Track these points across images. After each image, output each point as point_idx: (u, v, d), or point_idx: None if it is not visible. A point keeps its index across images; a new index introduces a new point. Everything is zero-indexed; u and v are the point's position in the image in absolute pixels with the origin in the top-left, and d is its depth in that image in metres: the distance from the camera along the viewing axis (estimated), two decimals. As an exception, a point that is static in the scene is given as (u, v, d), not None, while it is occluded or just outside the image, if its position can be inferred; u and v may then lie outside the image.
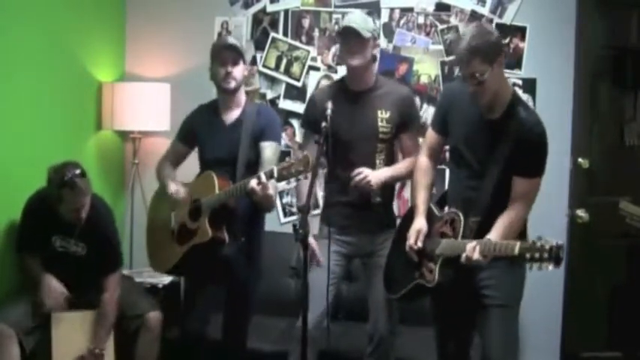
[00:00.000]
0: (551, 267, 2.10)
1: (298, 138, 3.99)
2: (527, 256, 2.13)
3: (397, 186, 3.47)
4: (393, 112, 2.91)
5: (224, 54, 3.00)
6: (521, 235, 2.49)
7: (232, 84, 3.01)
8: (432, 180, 2.77)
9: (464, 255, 2.35)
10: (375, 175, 2.85)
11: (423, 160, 2.77)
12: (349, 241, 2.97)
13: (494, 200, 2.45)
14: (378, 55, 3.32)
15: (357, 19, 2.90)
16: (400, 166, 2.97)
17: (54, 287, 3.04)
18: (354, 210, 2.94)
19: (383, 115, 2.90)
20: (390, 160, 2.99)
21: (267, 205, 3.00)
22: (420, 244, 2.60)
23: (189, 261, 3.01)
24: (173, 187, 3.09)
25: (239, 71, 3.02)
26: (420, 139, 3.00)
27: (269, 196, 2.81)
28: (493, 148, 2.45)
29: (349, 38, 2.85)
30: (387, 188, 2.99)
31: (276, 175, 2.70)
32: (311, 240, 2.97)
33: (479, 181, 2.49)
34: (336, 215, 2.96)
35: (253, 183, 2.72)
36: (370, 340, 2.99)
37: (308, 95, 3.95)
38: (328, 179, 3.07)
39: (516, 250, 2.18)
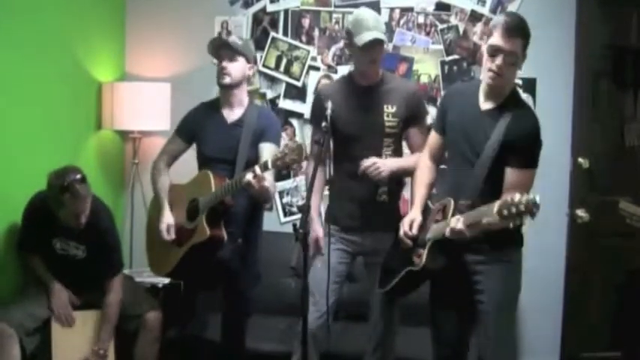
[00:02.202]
0: (528, 220, 2.16)
1: (298, 138, 3.99)
2: (505, 212, 2.15)
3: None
4: (399, 107, 2.90)
5: (219, 51, 3.03)
6: (517, 231, 2.52)
7: (226, 79, 3.02)
8: (433, 179, 2.78)
9: (448, 228, 2.37)
10: (385, 164, 2.83)
11: (425, 159, 2.80)
12: (353, 240, 2.96)
13: (485, 185, 2.46)
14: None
15: (376, 23, 2.82)
16: (409, 159, 2.95)
17: (63, 295, 3.07)
18: (359, 207, 2.93)
19: (389, 110, 2.89)
20: (398, 156, 2.97)
21: (265, 198, 3.00)
22: (414, 231, 2.61)
23: (187, 263, 3.01)
24: (164, 226, 3.07)
25: (235, 68, 3.02)
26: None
27: (265, 189, 2.82)
28: (487, 134, 2.48)
29: (374, 48, 2.80)
30: (394, 187, 2.97)
31: (270, 165, 2.71)
32: (317, 229, 2.96)
33: (470, 166, 2.51)
34: (341, 213, 2.95)
35: (249, 176, 2.73)
36: (370, 340, 2.99)
37: (308, 95, 3.97)
38: (333, 175, 2.95)
39: (495, 209, 2.19)
